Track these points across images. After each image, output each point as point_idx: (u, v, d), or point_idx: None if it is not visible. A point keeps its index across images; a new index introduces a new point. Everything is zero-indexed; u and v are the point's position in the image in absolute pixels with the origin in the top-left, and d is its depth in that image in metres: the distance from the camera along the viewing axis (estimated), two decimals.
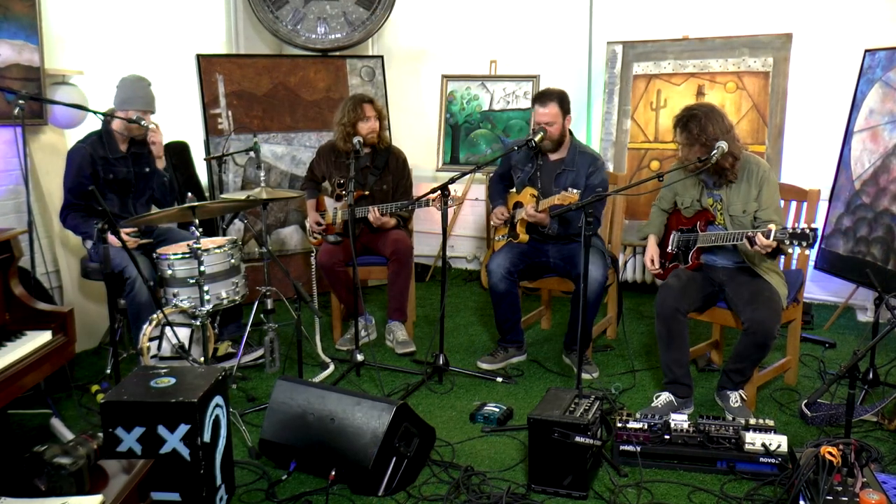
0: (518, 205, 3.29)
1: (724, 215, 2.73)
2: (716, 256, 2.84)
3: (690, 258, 2.82)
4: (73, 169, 3.05)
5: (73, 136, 3.61)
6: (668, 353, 2.74)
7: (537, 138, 3.08)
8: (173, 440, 1.96)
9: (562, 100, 3.09)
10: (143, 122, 3.01)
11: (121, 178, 3.13)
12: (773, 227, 2.46)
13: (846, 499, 1.88)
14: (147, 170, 3.20)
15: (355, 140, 3.28)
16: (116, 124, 3.06)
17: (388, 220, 3.41)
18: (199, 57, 4.15)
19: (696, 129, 2.61)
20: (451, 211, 3.23)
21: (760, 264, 2.71)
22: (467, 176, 3.37)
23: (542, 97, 3.11)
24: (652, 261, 2.93)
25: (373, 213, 3.35)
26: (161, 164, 3.20)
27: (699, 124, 2.61)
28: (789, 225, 2.82)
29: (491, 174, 3.68)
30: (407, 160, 3.64)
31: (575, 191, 2.86)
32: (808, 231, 2.41)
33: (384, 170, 3.52)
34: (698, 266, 2.83)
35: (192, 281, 2.79)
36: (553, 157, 3.20)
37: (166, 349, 2.77)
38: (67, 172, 3.07)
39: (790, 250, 2.53)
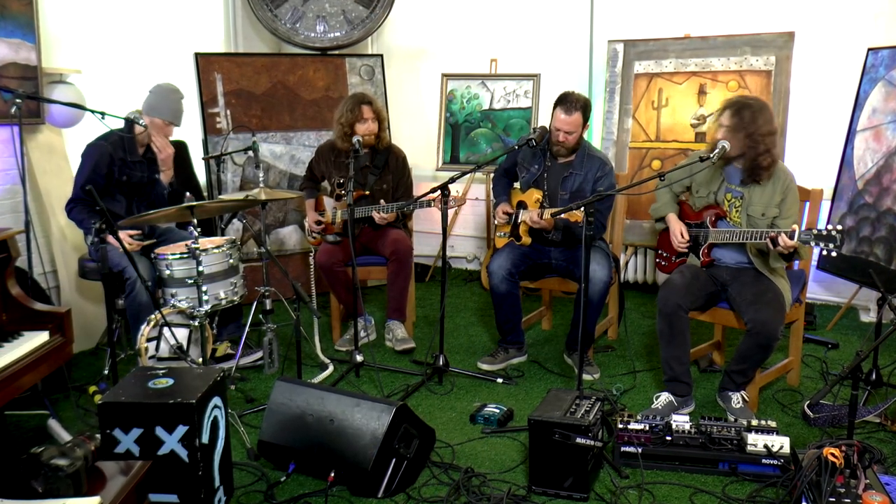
0: (521, 204, 3.26)
1: (742, 214, 2.70)
2: (721, 254, 2.82)
3: (702, 254, 2.79)
4: (90, 165, 3.02)
5: (71, 136, 3.60)
6: (669, 349, 2.72)
7: (536, 137, 3.06)
8: (171, 441, 1.94)
9: (585, 109, 3.03)
10: (140, 122, 2.99)
11: (134, 181, 3.13)
12: (795, 227, 2.44)
13: (849, 500, 1.87)
14: (157, 175, 3.20)
15: (354, 140, 3.26)
16: (138, 129, 3.06)
17: (391, 214, 3.40)
18: (197, 56, 4.13)
19: (749, 117, 2.59)
20: (451, 211, 3.21)
21: (774, 265, 2.68)
22: (467, 175, 3.35)
23: (566, 103, 3.00)
24: (682, 234, 2.81)
25: (377, 215, 3.35)
26: (166, 177, 3.19)
27: (752, 114, 2.60)
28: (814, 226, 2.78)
29: (492, 173, 3.66)
30: (406, 158, 3.62)
31: (579, 212, 2.75)
32: (834, 233, 2.36)
33: (384, 169, 3.51)
34: (709, 263, 2.79)
35: (190, 281, 2.77)
36: (562, 159, 3.17)
37: (164, 350, 2.76)
38: (83, 168, 3.04)
39: (815, 251, 2.49)
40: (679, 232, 2.84)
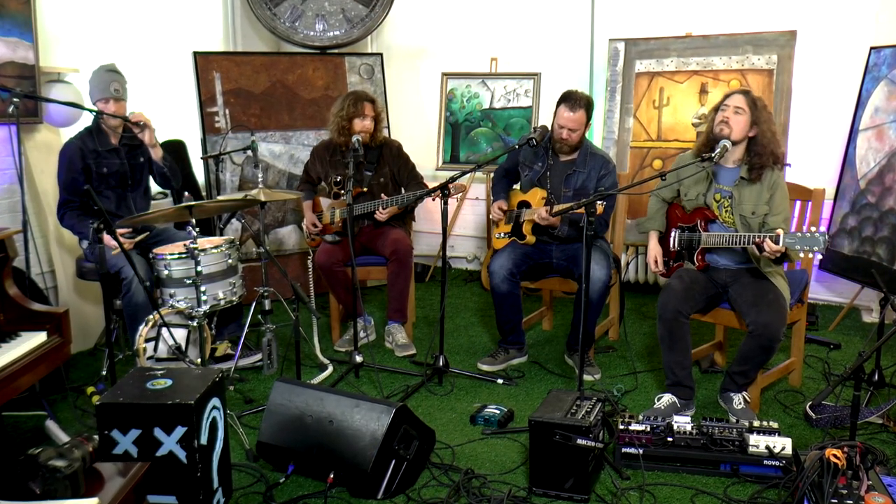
0: (524, 204, 3.25)
1: (734, 214, 2.69)
2: (719, 257, 2.80)
3: (696, 259, 2.78)
4: (65, 164, 3.04)
5: (69, 135, 3.58)
6: (670, 355, 2.71)
7: (538, 136, 3.05)
8: (170, 442, 1.93)
9: (589, 107, 3.05)
10: (137, 121, 2.98)
11: (114, 170, 3.10)
12: (780, 231, 2.43)
13: (851, 502, 1.86)
14: (142, 160, 3.17)
15: (354, 139, 3.25)
16: (108, 120, 3.04)
17: (392, 208, 3.39)
18: (195, 54, 4.12)
19: (761, 103, 2.62)
20: (451, 209, 3.20)
21: (765, 269, 2.68)
22: (468, 175, 3.34)
23: (571, 101, 3.02)
24: (655, 261, 2.88)
25: (380, 214, 3.35)
26: (157, 153, 3.14)
27: (760, 102, 2.62)
28: (795, 229, 2.77)
29: (492, 172, 3.65)
30: (402, 146, 3.59)
31: (599, 203, 2.67)
32: (818, 235, 2.36)
33: (378, 163, 3.49)
34: (705, 267, 2.79)
35: (188, 281, 2.76)
36: (564, 157, 3.17)
37: (163, 350, 2.74)
38: (60, 169, 3.06)
39: (800, 256, 2.48)
40: (654, 258, 2.88)
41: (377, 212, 3.36)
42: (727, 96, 2.69)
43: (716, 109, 2.71)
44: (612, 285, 3.15)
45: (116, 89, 3.00)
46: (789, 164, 2.72)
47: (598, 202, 2.63)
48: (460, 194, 3.26)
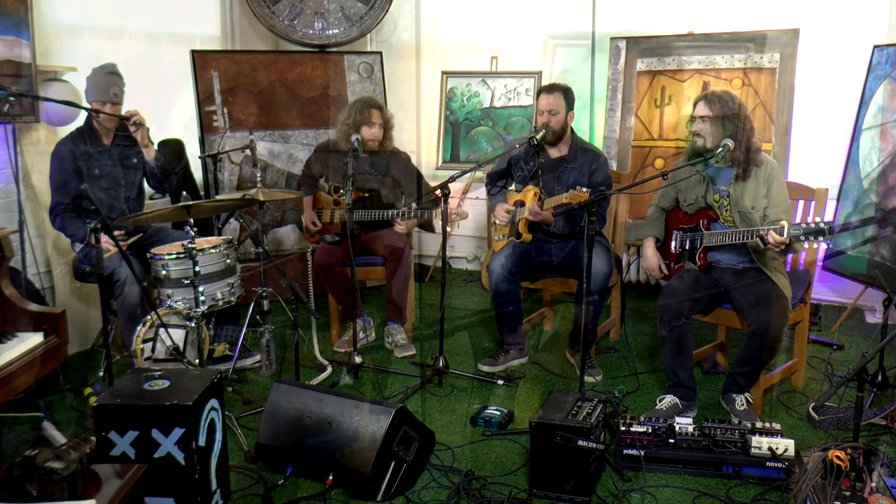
0: (519, 203, 3.24)
1: (733, 212, 2.68)
2: (721, 256, 2.79)
3: (698, 258, 2.77)
4: (56, 166, 3.01)
5: (66, 134, 3.56)
6: (671, 356, 2.70)
7: (539, 136, 3.04)
8: (168, 444, 1.92)
9: (566, 93, 3.11)
10: (133, 120, 2.96)
11: (106, 172, 3.08)
12: (784, 223, 2.42)
13: None
14: (135, 161, 3.14)
15: (353, 138, 3.23)
16: (102, 117, 3.01)
17: (412, 221, 3.37)
18: (193, 53, 4.10)
19: (718, 105, 2.61)
20: (451, 210, 3.19)
21: (769, 263, 2.66)
22: (468, 174, 3.33)
23: (547, 88, 3.13)
24: (657, 268, 2.86)
25: (399, 226, 3.34)
26: (150, 153, 3.11)
27: (730, 101, 2.63)
28: (800, 221, 2.77)
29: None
30: (410, 158, 3.58)
31: (584, 189, 2.79)
32: (822, 226, 2.37)
33: (385, 173, 3.47)
34: (707, 266, 2.77)
35: (186, 282, 2.74)
36: (555, 154, 3.17)
37: (161, 351, 2.73)
38: (51, 171, 3.03)
39: (804, 246, 2.48)
40: (653, 266, 2.87)
41: (395, 223, 3.33)
42: (694, 107, 2.72)
43: (692, 121, 2.72)
44: (612, 286, 3.14)
45: (115, 93, 2.99)
46: (755, 146, 2.71)
47: (582, 190, 2.70)
48: (460, 220, 3.27)
